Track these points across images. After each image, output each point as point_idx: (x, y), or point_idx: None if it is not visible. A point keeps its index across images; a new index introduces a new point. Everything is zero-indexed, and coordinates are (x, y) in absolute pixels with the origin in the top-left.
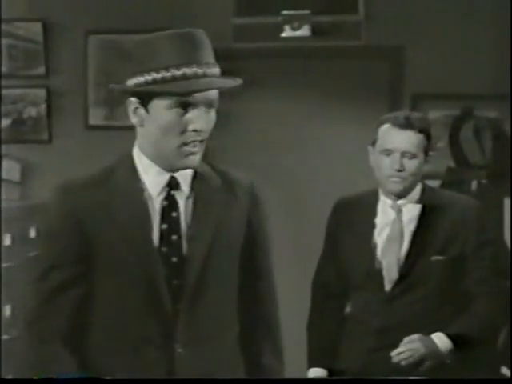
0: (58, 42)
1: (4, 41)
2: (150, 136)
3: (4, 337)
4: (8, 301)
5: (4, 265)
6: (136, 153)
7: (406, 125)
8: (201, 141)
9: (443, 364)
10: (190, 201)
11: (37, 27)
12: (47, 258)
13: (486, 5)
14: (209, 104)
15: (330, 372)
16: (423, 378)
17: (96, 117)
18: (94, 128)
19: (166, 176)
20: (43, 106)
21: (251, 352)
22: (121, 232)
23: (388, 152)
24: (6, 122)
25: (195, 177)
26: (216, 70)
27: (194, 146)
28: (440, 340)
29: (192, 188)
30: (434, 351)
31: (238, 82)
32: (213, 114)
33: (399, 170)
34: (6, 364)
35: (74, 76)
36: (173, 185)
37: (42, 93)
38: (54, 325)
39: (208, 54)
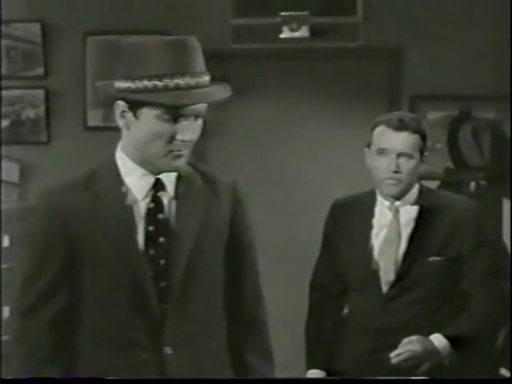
0: (56, 43)
1: (2, 42)
2: (135, 140)
3: (3, 338)
4: (6, 302)
5: (3, 266)
6: (119, 155)
7: (401, 126)
8: (187, 148)
9: (442, 365)
10: (175, 202)
11: (35, 28)
12: (32, 263)
13: (485, 5)
14: (197, 115)
15: (329, 373)
16: (422, 378)
17: (95, 118)
18: (93, 129)
19: (151, 178)
20: (42, 107)
21: (238, 352)
22: (106, 235)
23: (383, 151)
24: (4, 123)
25: (179, 178)
26: (207, 79)
27: (180, 151)
28: (438, 341)
29: (176, 189)
30: (432, 352)
31: (228, 91)
32: (200, 122)
33: (395, 172)
34: (5, 365)
35: (72, 77)
36: (158, 187)
37: (40, 94)
38: (41, 331)
39: (200, 62)
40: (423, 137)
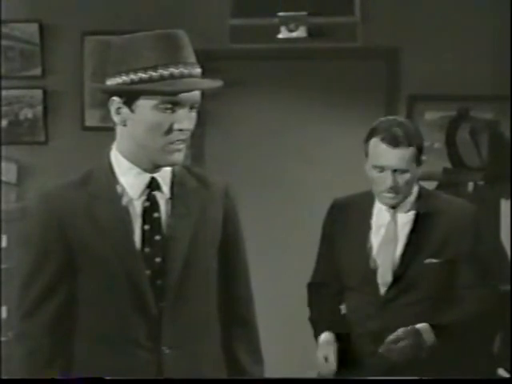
0: (54, 43)
1: (1, 42)
2: (133, 135)
3: (2, 338)
4: (4, 302)
5: (1, 266)
6: (114, 155)
7: (395, 143)
8: (184, 140)
9: (422, 346)
10: (170, 202)
11: (33, 28)
12: (30, 265)
13: (484, 5)
14: (193, 104)
15: (338, 337)
16: (422, 378)
17: (92, 118)
18: (91, 129)
19: (146, 177)
20: (39, 107)
21: (230, 351)
22: (102, 235)
23: (380, 169)
24: (2, 124)
25: (173, 179)
26: (199, 70)
27: (179, 144)
28: (421, 325)
29: (172, 189)
30: (412, 331)
31: (219, 82)
32: (194, 113)
33: (392, 187)
34: (5, 365)
35: (70, 77)
36: (153, 186)
37: (38, 94)
38: (40, 332)
39: (191, 54)
40: (419, 147)
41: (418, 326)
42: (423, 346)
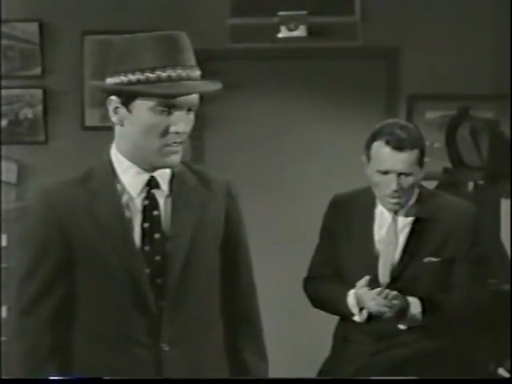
0: (54, 43)
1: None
2: (130, 135)
3: (2, 338)
4: (5, 302)
5: (1, 265)
6: (114, 153)
7: (400, 147)
8: (181, 142)
9: (405, 314)
10: (170, 200)
11: (33, 28)
12: (28, 261)
13: (484, 5)
14: (190, 106)
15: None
16: (422, 378)
17: (92, 118)
18: (91, 129)
19: (146, 176)
20: (39, 107)
21: (234, 350)
22: (102, 233)
23: (384, 173)
24: (2, 123)
25: (172, 176)
26: (198, 73)
27: (175, 146)
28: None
29: (171, 187)
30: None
31: (218, 85)
32: (192, 116)
33: (396, 190)
34: (4, 363)
35: (70, 77)
36: (153, 184)
37: (38, 93)
38: (38, 330)
39: (190, 57)
40: (422, 149)
41: (411, 300)
42: (406, 305)
